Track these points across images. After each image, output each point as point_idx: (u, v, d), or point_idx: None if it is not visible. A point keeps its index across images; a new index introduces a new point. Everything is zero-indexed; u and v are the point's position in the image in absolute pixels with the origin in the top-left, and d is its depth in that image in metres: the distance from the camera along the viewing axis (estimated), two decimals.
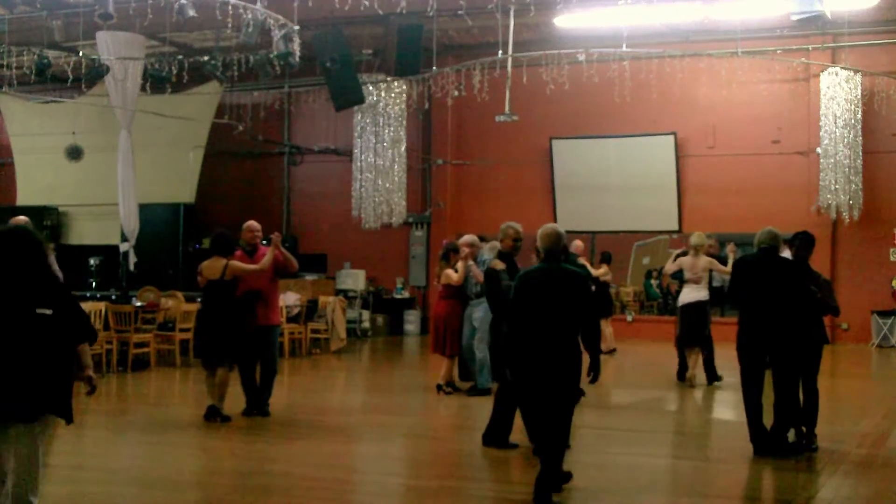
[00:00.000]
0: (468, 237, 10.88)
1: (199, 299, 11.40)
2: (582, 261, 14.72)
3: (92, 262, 18.75)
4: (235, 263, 9.01)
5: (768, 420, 7.67)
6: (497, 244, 9.18)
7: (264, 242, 9.79)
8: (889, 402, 10.96)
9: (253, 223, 9.47)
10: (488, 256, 9.92)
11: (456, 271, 10.73)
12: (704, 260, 11.75)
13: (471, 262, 10.39)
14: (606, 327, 15.25)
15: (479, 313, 10.39)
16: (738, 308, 8.03)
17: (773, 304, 7.50)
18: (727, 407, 10.53)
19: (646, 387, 12.36)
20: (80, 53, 15.07)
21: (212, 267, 9.00)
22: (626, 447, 8.63)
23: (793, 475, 7.39)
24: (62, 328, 4.66)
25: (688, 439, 9.02)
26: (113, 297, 15.79)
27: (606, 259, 15.61)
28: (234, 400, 9.18)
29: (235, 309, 8.98)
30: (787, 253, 8.43)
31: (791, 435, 7.78)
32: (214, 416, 8.89)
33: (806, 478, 7.14)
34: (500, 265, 7.79)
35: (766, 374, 7.79)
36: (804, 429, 7.81)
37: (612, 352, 15.25)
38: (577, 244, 15.26)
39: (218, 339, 8.92)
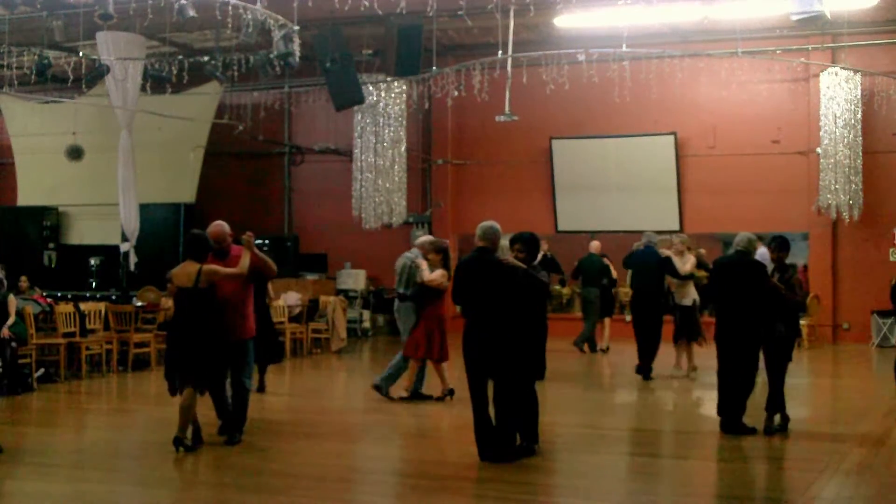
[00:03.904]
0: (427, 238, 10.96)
1: None
2: (606, 261, 15.32)
3: (92, 262, 18.76)
4: (212, 267, 7.85)
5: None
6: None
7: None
8: (889, 402, 10.94)
9: (219, 223, 8.27)
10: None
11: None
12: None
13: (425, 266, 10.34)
14: (604, 326, 15.95)
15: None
16: (716, 303, 9.18)
17: (741, 300, 8.52)
18: None
19: (644, 386, 12.34)
20: (81, 53, 15.06)
21: (183, 273, 7.82)
22: (625, 447, 8.63)
23: (794, 475, 7.40)
24: None
25: (687, 438, 9.02)
26: (113, 297, 15.82)
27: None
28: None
29: (212, 321, 7.81)
30: (763, 251, 9.70)
31: (777, 419, 8.67)
32: (178, 444, 7.78)
33: (807, 477, 7.13)
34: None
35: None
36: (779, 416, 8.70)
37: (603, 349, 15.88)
38: (594, 244, 15.64)
39: (189, 357, 7.76)
